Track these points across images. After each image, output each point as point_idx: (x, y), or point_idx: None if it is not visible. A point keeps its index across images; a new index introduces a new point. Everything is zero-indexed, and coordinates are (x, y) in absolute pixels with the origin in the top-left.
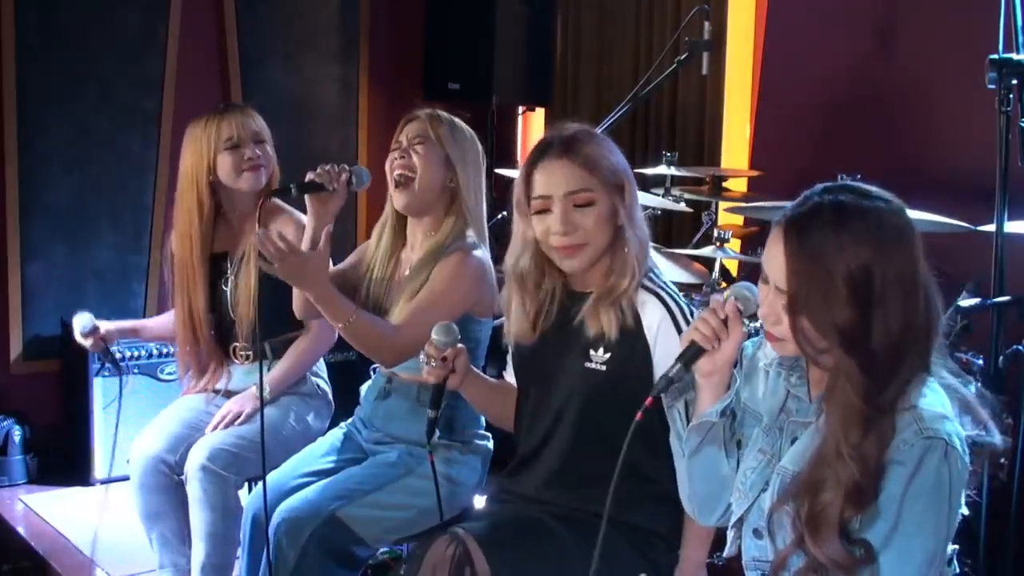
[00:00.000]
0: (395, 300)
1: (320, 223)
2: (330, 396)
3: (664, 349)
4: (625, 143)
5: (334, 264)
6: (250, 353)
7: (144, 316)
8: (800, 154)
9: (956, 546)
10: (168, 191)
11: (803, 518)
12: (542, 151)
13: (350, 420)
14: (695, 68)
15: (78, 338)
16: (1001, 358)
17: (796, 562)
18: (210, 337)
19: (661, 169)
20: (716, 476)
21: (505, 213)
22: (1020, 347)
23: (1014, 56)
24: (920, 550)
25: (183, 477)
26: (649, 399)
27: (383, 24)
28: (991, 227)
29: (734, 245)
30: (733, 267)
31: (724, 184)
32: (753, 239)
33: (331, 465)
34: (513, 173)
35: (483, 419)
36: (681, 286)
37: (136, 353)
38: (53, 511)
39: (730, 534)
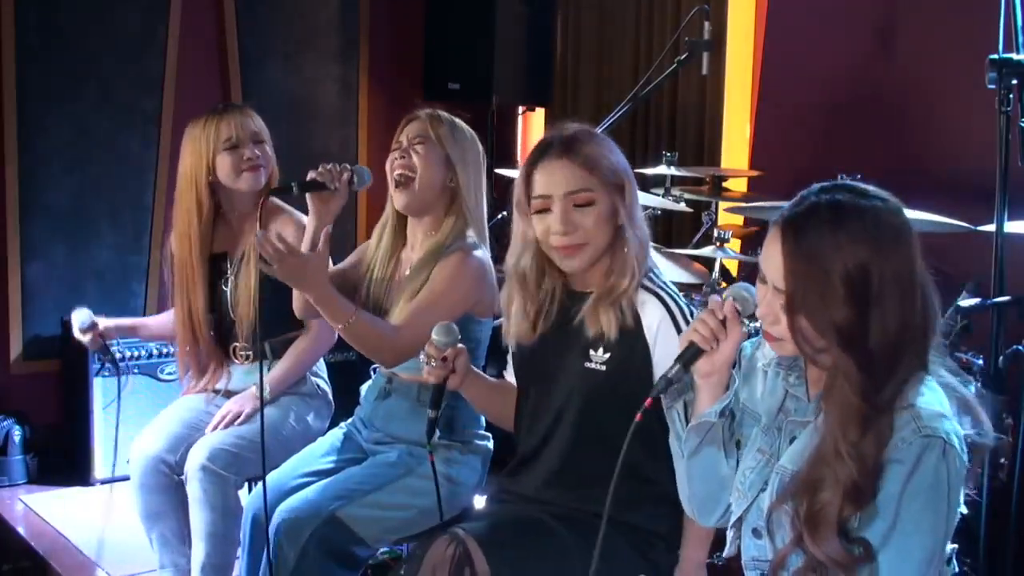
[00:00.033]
0: (395, 300)
1: (321, 222)
2: (330, 396)
3: (664, 349)
4: (625, 143)
5: (334, 264)
6: (250, 353)
7: (144, 316)
8: (800, 154)
9: (955, 545)
10: (168, 191)
11: (802, 517)
12: (542, 151)
13: (350, 420)
14: (695, 68)
15: (76, 334)
16: (1001, 358)
17: (795, 561)
18: (210, 337)
19: (661, 169)
20: (715, 477)
21: (505, 213)
22: (1020, 347)
23: (1014, 56)
24: (919, 548)
25: (183, 477)
26: (648, 400)
27: (383, 24)
28: (991, 227)
29: (734, 245)
30: (733, 267)
31: (724, 184)
32: (753, 239)
33: (331, 465)
34: (513, 173)
35: (483, 419)
36: (681, 286)
37: (136, 353)
38: (53, 511)
39: (729, 534)
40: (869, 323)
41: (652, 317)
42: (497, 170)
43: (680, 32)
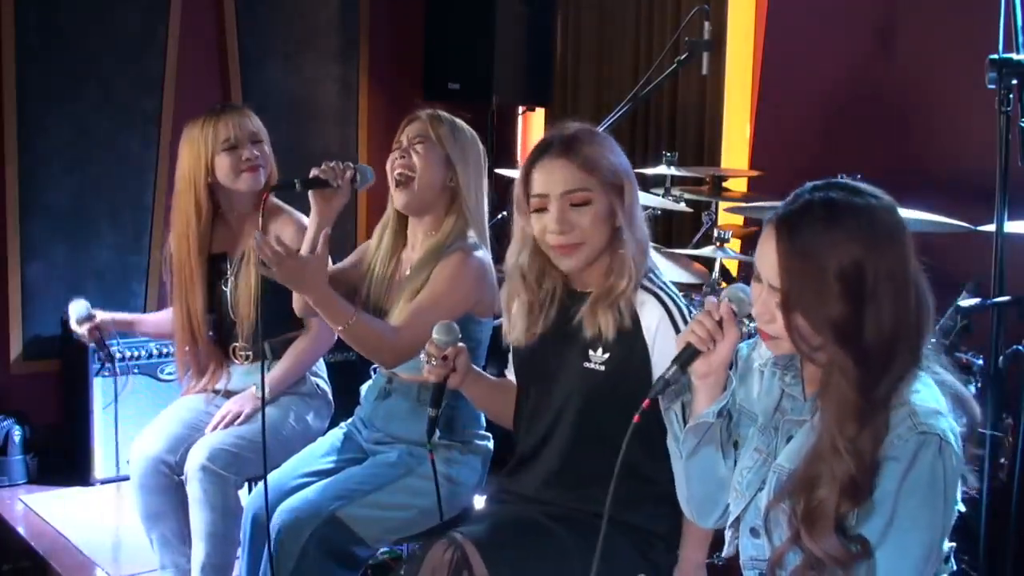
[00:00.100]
0: (395, 300)
1: (323, 220)
2: (330, 396)
3: (663, 349)
4: (625, 143)
5: (334, 263)
6: (250, 353)
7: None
8: (800, 154)
9: (953, 544)
10: (168, 191)
11: (799, 514)
12: (542, 150)
13: (350, 420)
14: (695, 68)
15: (72, 325)
16: (1001, 358)
17: (793, 560)
18: (209, 338)
19: (661, 169)
20: (714, 477)
21: (505, 213)
22: (1020, 347)
23: (1014, 56)
24: (916, 545)
25: (183, 477)
26: (646, 401)
27: (383, 24)
28: (991, 227)
29: (734, 245)
30: (733, 267)
31: (724, 184)
32: (753, 239)
33: (331, 465)
34: (513, 173)
35: (483, 419)
36: (681, 286)
37: (136, 353)
38: (53, 511)
39: (728, 534)
40: (864, 319)
41: (651, 317)
42: (497, 170)
43: (680, 32)
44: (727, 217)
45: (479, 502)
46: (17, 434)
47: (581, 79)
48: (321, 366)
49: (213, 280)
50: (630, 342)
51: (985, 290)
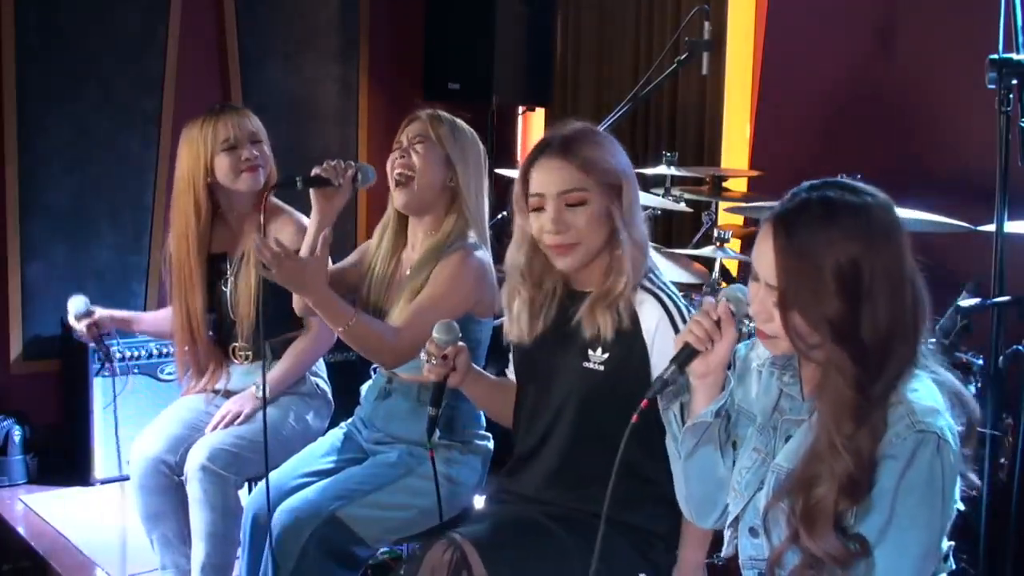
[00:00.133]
0: (395, 300)
1: (324, 219)
2: (330, 396)
3: (662, 350)
4: (625, 143)
5: (334, 263)
6: (249, 353)
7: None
8: (800, 154)
9: (952, 543)
10: (168, 191)
11: (798, 513)
12: (540, 149)
13: (350, 420)
14: (695, 68)
15: (71, 321)
16: (1001, 358)
17: (792, 559)
18: (208, 338)
19: (661, 169)
20: (712, 477)
21: (505, 213)
22: (1020, 347)
23: (1014, 56)
24: (915, 543)
25: (183, 478)
26: (644, 401)
27: (383, 24)
28: (991, 227)
29: (734, 245)
30: (733, 267)
31: (724, 184)
32: (753, 239)
33: (331, 465)
34: (513, 173)
35: (483, 419)
36: (681, 286)
37: (136, 353)
38: (53, 511)
39: (727, 534)
40: (861, 317)
41: (650, 318)
42: (497, 170)
43: (680, 32)
44: (727, 217)
45: (479, 502)
46: (17, 434)
47: (581, 79)
48: (321, 366)
49: (213, 280)
50: (629, 342)
51: (985, 290)
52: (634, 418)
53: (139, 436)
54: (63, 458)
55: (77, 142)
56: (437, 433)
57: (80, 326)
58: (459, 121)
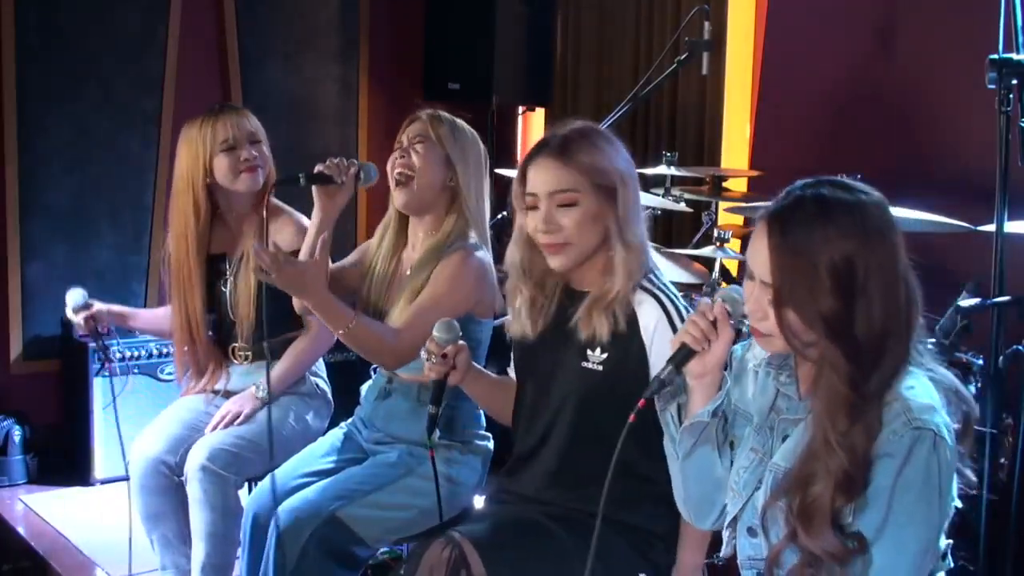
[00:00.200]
0: (396, 299)
1: (325, 217)
2: (329, 396)
3: (660, 350)
4: (625, 143)
5: (334, 263)
6: (249, 353)
7: None
8: (800, 154)
9: (950, 541)
10: (168, 191)
11: (795, 511)
12: (538, 149)
13: (350, 420)
14: (695, 68)
15: (68, 313)
16: (1001, 358)
17: (790, 558)
18: (208, 338)
19: (661, 169)
20: (710, 478)
21: (505, 213)
22: (1020, 347)
23: (1014, 56)
24: (913, 540)
25: (183, 478)
26: (641, 401)
27: (383, 24)
28: (991, 227)
29: (734, 245)
30: (733, 267)
31: (724, 184)
32: None
33: (331, 465)
34: (513, 173)
35: (483, 419)
36: (681, 286)
37: (136, 353)
38: (53, 511)
39: (725, 534)
40: (855, 314)
41: (649, 318)
42: (497, 170)
43: (680, 32)
44: (727, 217)
45: (479, 502)
46: (17, 434)
47: (581, 79)
48: (321, 366)
49: (212, 280)
50: (628, 342)
51: (985, 290)
52: (631, 418)
53: (139, 436)
54: (63, 458)
55: (77, 142)
56: (437, 432)
57: (77, 319)
58: (459, 121)
